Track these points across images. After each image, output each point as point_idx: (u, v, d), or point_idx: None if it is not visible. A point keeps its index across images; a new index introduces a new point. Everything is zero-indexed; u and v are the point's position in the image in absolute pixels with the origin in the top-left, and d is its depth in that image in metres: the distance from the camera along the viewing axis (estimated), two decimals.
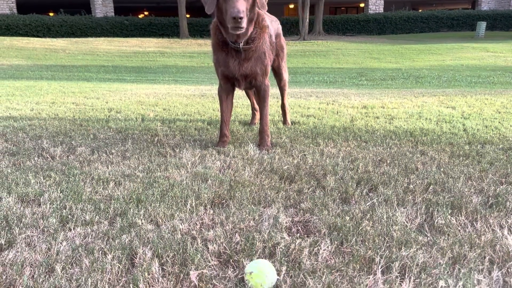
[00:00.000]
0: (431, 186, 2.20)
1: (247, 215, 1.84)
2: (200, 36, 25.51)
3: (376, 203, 1.98)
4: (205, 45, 21.34)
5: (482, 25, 25.37)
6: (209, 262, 1.49)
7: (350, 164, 2.60)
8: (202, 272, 1.41)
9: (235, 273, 1.43)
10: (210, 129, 3.67)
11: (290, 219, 1.83)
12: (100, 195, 2.08)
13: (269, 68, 3.05)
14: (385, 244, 1.59)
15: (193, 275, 1.39)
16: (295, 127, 3.75)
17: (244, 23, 2.55)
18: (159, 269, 1.44)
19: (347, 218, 1.79)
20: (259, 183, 2.25)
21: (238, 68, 2.88)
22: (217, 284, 1.38)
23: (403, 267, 1.45)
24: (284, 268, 1.42)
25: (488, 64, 15.56)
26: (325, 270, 1.41)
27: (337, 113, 4.48)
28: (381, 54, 18.21)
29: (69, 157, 2.76)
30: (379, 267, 1.44)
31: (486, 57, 17.48)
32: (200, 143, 3.15)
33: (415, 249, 1.55)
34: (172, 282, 1.38)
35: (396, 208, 1.92)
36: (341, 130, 3.59)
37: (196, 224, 1.79)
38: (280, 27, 3.57)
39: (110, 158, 2.74)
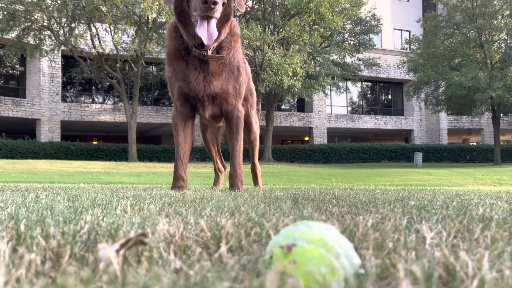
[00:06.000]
0: None
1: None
2: (149, 160, 25.03)
3: None
4: (154, 167, 20.68)
5: (419, 155, 27.15)
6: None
7: None
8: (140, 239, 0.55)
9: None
10: None
11: None
12: None
13: (244, 89, 2.38)
14: None
15: (107, 250, 0.53)
16: (272, 187, 3.01)
17: (217, 11, 1.96)
18: None
19: None
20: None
21: (203, 85, 2.15)
22: None
23: None
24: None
25: (435, 184, 15.98)
26: None
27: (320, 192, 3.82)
28: (332, 176, 18.36)
29: None
30: None
31: (431, 179, 18.10)
32: None
33: None
34: None
35: None
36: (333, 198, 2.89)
37: None
38: (248, 67, 3.05)
39: None
